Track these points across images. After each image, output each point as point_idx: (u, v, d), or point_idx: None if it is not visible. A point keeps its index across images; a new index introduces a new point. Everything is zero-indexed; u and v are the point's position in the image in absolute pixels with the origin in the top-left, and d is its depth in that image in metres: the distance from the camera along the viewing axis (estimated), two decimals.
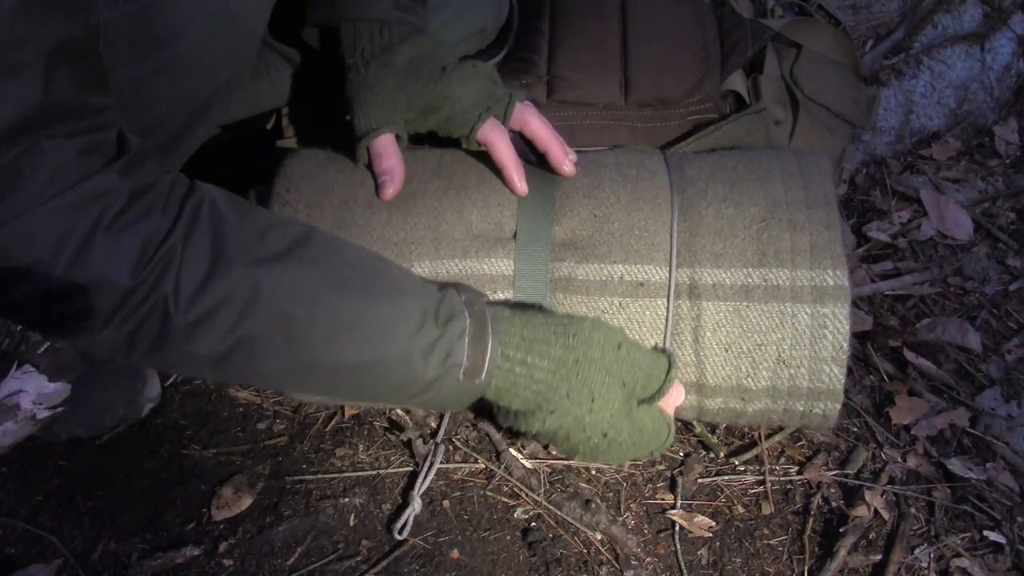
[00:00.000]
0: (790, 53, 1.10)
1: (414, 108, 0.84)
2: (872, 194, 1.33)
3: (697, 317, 0.81)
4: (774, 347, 0.80)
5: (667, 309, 0.81)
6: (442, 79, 0.84)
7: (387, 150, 0.84)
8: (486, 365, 0.71)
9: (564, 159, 0.85)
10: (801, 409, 0.83)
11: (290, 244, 0.67)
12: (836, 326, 0.80)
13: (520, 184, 0.84)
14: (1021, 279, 1.19)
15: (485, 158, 0.88)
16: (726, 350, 0.81)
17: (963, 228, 1.27)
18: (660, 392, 0.78)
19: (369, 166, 0.86)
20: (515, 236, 0.84)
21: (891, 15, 1.43)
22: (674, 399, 0.82)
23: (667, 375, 0.78)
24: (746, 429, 0.97)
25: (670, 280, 0.81)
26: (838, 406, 0.82)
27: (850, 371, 1.03)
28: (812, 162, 0.88)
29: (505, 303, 0.81)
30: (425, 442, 0.94)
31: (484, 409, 0.98)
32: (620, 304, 0.82)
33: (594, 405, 0.73)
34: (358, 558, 0.85)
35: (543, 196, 0.86)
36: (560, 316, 0.76)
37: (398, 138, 0.85)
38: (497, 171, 0.86)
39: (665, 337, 0.82)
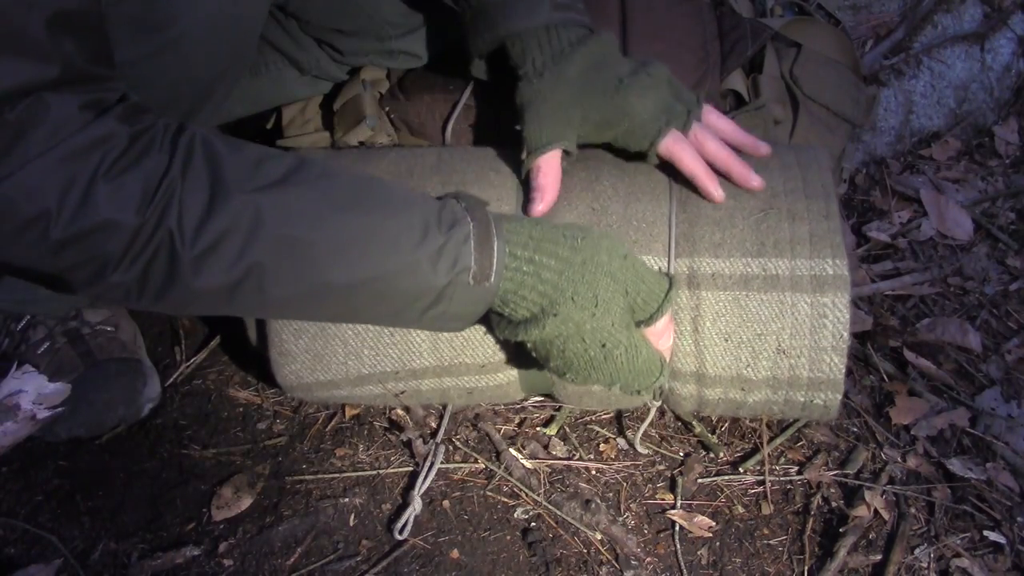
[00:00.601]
0: (790, 52, 1.10)
1: (589, 122, 0.82)
2: (872, 194, 1.33)
3: (696, 307, 0.81)
4: (774, 337, 0.80)
5: None
6: (618, 92, 0.81)
7: (549, 166, 0.82)
8: (494, 266, 0.71)
9: (747, 177, 0.82)
10: (802, 400, 0.83)
11: (286, 171, 0.67)
12: (836, 315, 0.79)
13: (717, 192, 0.81)
14: (1021, 279, 1.19)
15: (483, 154, 0.88)
16: (726, 340, 0.81)
17: (963, 228, 1.27)
18: (659, 311, 0.76)
19: (524, 179, 0.84)
20: None
21: (891, 15, 1.43)
22: (667, 337, 0.80)
23: (667, 295, 0.77)
24: (748, 427, 0.97)
25: (669, 268, 0.81)
26: (839, 396, 0.82)
27: (850, 371, 1.03)
28: (810, 155, 0.88)
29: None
30: (425, 442, 0.94)
31: (484, 409, 0.98)
32: None
33: (597, 311, 0.73)
34: (358, 558, 0.85)
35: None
36: (566, 223, 0.76)
37: (567, 153, 0.83)
38: (495, 167, 0.86)
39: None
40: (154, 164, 0.62)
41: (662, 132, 0.81)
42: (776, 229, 0.81)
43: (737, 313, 0.80)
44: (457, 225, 0.71)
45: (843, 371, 0.81)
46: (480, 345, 0.85)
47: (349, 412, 0.99)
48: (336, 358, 0.87)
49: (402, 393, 0.90)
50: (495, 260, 0.71)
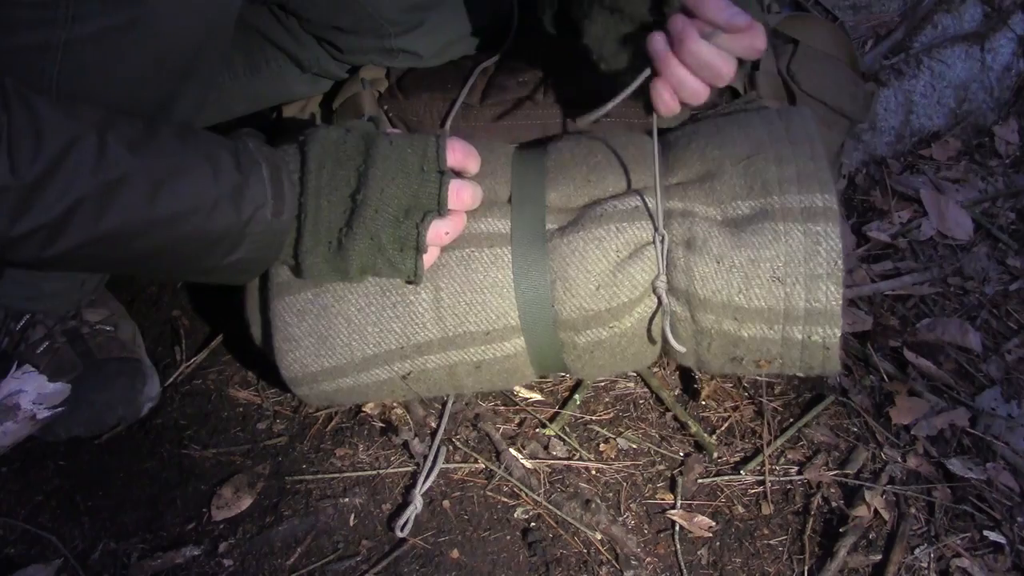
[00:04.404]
0: (787, 49, 1.10)
1: None
2: (872, 194, 1.33)
3: (690, 229, 0.82)
4: (768, 264, 0.80)
5: (656, 209, 0.82)
6: None
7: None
8: (285, 199, 0.76)
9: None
10: (799, 337, 0.82)
11: (101, 116, 0.69)
12: (829, 243, 0.79)
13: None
14: (1021, 279, 1.19)
15: (479, 145, 0.90)
16: (718, 262, 0.81)
17: (963, 228, 1.27)
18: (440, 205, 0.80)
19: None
20: (509, 200, 0.86)
21: (891, 15, 1.43)
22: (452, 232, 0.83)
23: (441, 190, 0.80)
24: (748, 428, 0.97)
25: (658, 222, 0.82)
26: (837, 332, 0.81)
27: (850, 371, 1.04)
28: (792, 111, 0.91)
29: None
30: (422, 441, 0.94)
31: (484, 409, 0.98)
32: (618, 229, 0.83)
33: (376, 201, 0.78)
34: (358, 558, 0.85)
35: (535, 165, 0.89)
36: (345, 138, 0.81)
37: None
38: (489, 150, 0.88)
39: (659, 256, 0.82)
40: None
41: None
42: (764, 171, 0.83)
43: (730, 238, 0.81)
44: (253, 165, 0.75)
45: (840, 302, 0.80)
46: (483, 309, 0.84)
47: (349, 412, 0.98)
48: (340, 338, 0.85)
49: (408, 375, 0.88)
50: (285, 193, 0.77)
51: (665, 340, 0.84)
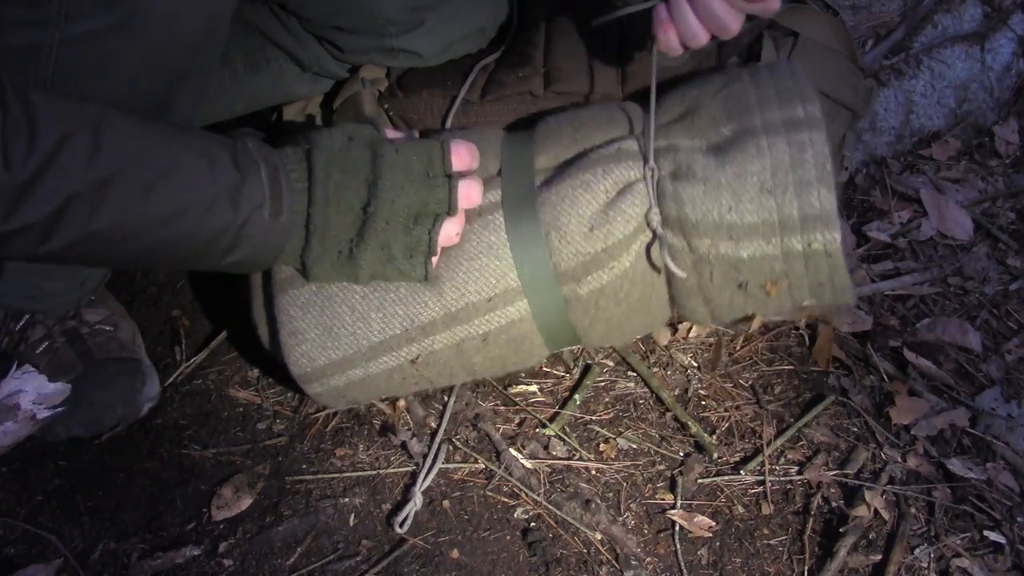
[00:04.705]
0: (787, 41, 1.09)
1: None
2: (872, 194, 1.33)
3: (674, 159, 0.83)
4: (755, 177, 0.79)
5: (647, 145, 0.84)
6: None
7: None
8: (284, 200, 0.77)
9: None
10: (800, 247, 0.81)
11: (94, 112, 0.69)
12: (815, 149, 0.79)
13: None
14: (1021, 279, 1.18)
15: (477, 136, 0.91)
16: (704, 183, 0.81)
17: (963, 228, 1.26)
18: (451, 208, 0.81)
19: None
20: (499, 174, 0.88)
21: (891, 15, 1.43)
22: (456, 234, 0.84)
23: (450, 194, 0.81)
24: (748, 428, 0.97)
25: (648, 160, 0.83)
26: (837, 236, 0.80)
27: (850, 371, 1.04)
28: (778, 63, 0.91)
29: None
30: (420, 441, 0.94)
31: (484, 409, 0.98)
32: (604, 171, 0.84)
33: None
34: (358, 558, 0.85)
35: (523, 138, 0.91)
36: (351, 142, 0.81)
37: None
38: (480, 133, 0.90)
39: (650, 189, 0.82)
40: None
41: None
42: (741, 94, 0.83)
43: (713, 160, 0.81)
44: (251, 164, 0.75)
45: (835, 204, 0.79)
46: (481, 274, 0.84)
47: (349, 412, 0.99)
48: (345, 328, 0.85)
49: (417, 359, 0.87)
50: (284, 194, 0.77)
51: (669, 277, 0.84)
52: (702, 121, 0.84)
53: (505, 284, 0.84)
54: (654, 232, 0.83)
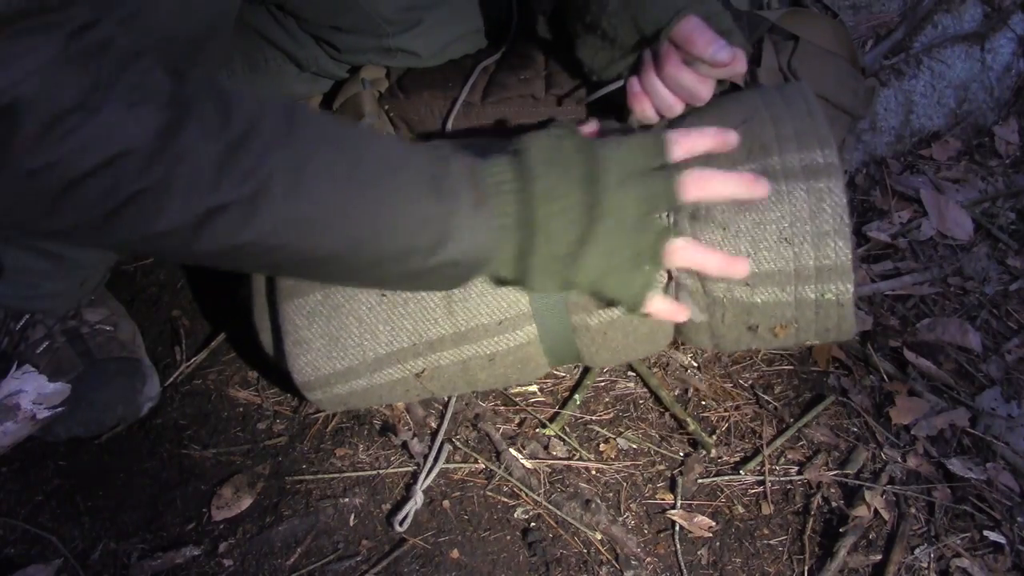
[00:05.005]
0: (787, 45, 1.10)
1: None
2: (872, 194, 1.33)
3: (693, 203, 0.80)
4: (774, 225, 0.79)
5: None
6: None
7: (700, 26, 0.79)
8: (489, 198, 0.69)
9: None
10: (813, 297, 0.81)
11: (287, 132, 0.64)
12: (833, 200, 0.79)
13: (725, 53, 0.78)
14: (1021, 279, 1.19)
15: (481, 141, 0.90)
16: (723, 228, 0.80)
17: (963, 228, 1.26)
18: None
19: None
20: None
21: (891, 15, 1.43)
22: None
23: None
24: (748, 428, 0.97)
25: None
26: (850, 287, 0.80)
27: (850, 371, 1.04)
28: (788, 84, 0.91)
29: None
30: (421, 441, 0.94)
31: (484, 409, 0.98)
32: None
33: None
34: (358, 558, 0.85)
35: None
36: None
37: None
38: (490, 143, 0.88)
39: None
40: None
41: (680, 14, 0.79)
42: (760, 133, 0.82)
43: (733, 205, 0.80)
44: (446, 156, 0.70)
45: (850, 257, 0.79)
46: (493, 300, 0.84)
47: (349, 412, 0.98)
48: (351, 339, 0.85)
49: (422, 373, 0.87)
50: (489, 194, 0.69)
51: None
52: (721, 158, 0.81)
53: (517, 309, 0.85)
54: (669, 273, 0.82)
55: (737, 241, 0.80)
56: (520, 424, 0.98)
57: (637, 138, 0.75)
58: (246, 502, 0.90)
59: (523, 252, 0.71)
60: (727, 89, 1.02)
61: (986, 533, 0.87)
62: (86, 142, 0.57)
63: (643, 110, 0.84)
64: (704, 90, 0.81)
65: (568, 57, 0.99)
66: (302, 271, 0.72)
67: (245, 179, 0.61)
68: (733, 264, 0.77)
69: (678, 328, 0.87)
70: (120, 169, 0.58)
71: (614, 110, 0.93)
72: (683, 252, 0.76)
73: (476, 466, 0.93)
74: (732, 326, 0.85)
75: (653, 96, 0.83)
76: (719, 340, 0.87)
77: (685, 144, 0.75)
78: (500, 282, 0.77)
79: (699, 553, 0.86)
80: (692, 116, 0.87)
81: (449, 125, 1.00)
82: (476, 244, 0.70)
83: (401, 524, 0.86)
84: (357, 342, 0.85)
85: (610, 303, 0.79)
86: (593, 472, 0.93)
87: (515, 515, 0.89)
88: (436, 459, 0.92)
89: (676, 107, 0.83)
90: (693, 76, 0.80)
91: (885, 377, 1.03)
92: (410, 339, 0.85)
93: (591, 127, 0.82)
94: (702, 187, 0.74)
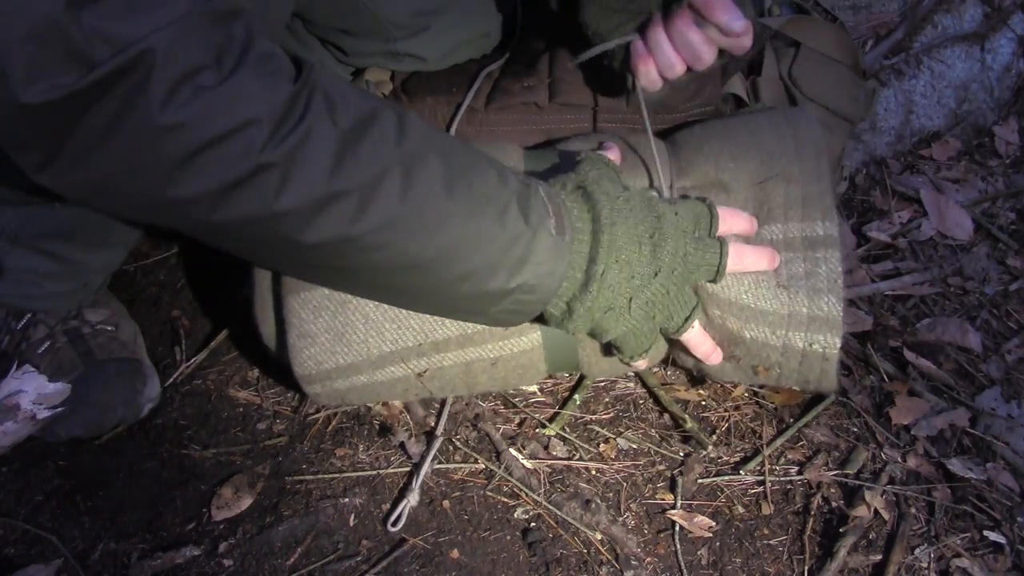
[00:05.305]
0: (788, 53, 1.10)
1: None
2: (872, 194, 1.33)
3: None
4: (773, 277, 0.83)
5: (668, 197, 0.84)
6: None
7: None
8: (566, 229, 0.73)
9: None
10: (800, 345, 0.83)
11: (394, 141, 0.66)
12: (829, 265, 0.83)
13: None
14: (1021, 279, 1.18)
15: (487, 147, 0.91)
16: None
17: (963, 228, 1.27)
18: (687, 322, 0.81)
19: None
20: None
21: (891, 15, 1.43)
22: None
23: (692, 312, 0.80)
24: (748, 428, 0.97)
25: (659, 172, 0.85)
26: (838, 341, 0.83)
27: (850, 371, 1.04)
28: (797, 114, 0.92)
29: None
30: (419, 441, 0.94)
31: (484, 409, 0.98)
32: None
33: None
34: (358, 558, 0.85)
35: (546, 163, 0.89)
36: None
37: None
38: (500, 148, 0.90)
39: None
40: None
41: None
42: (772, 196, 0.85)
43: (736, 260, 0.83)
44: (530, 183, 0.73)
45: (841, 313, 0.82)
46: None
47: (349, 412, 0.99)
48: (357, 335, 0.85)
49: (424, 372, 0.88)
50: (565, 224, 0.73)
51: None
52: (735, 207, 0.86)
53: None
54: None
55: (742, 276, 0.83)
56: (520, 424, 0.98)
57: (691, 205, 0.80)
58: (246, 502, 0.90)
59: (577, 294, 0.74)
60: (734, 107, 1.03)
61: (986, 533, 0.87)
62: (216, 105, 0.55)
63: (648, 71, 0.85)
64: (708, 53, 0.82)
65: (572, 49, 0.99)
66: (394, 277, 0.72)
67: (363, 169, 0.61)
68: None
69: (669, 342, 0.89)
70: (248, 138, 0.57)
71: (609, 75, 0.93)
72: (692, 332, 0.82)
73: (476, 466, 0.93)
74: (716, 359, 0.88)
75: (657, 54, 0.84)
76: (702, 364, 0.89)
77: (728, 222, 0.82)
78: (538, 318, 0.80)
79: (699, 553, 0.86)
80: (708, 147, 0.88)
81: (453, 130, 1.00)
82: (553, 271, 0.72)
83: (395, 524, 0.86)
84: (362, 338, 0.85)
85: (614, 350, 0.83)
86: (593, 472, 0.93)
87: (515, 515, 0.89)
88: (427, 455, 0.92)
89: (678, 66, 0.84)
90: (701, 36, 0.81)
91: (885, 377, 1.03)
92: (416, 339, 0.85)
93: (614, 153, 0.84)
94: (738, 261, 0.81)
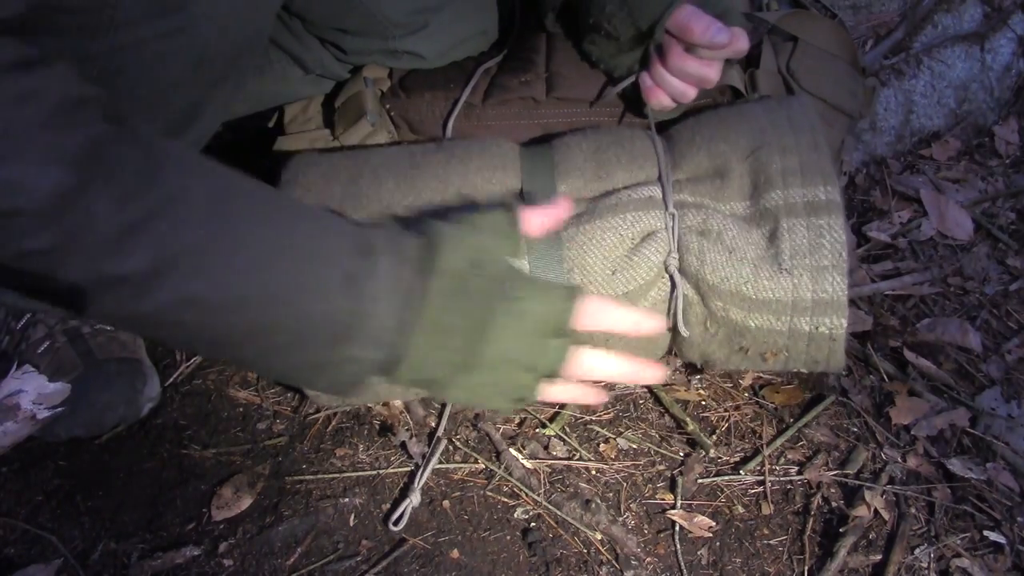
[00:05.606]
0: (786, 47, 1.09)
1: None
2: (872, 194, 1.33)
3: (705, 221, 0.83)
4: (775, 258, 0.82)
5: (666, 210, 0.84)
6: None
7: (695, 13, 0.81)
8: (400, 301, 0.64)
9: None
10: (807, 329, 0.82)
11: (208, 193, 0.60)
12: (832, 235, 0.81)
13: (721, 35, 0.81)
14: (1021, 279, 1.19)
15: (484, 143, 0.91)
16: (729, 252, 0.82)
17: (963, 228, 1.27)
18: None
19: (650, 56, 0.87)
20: (521, 194, 0.87)
21: (891, 15, 1.43)
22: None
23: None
24: (748, 428, 0.97)
25: (673, 225, 0.83)
26: (844, 322, 0.81)
27: (850, 371, 1.04)
28: (791, 99, 0.93)
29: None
30: (420, 441, 0.94)
31: (484, 409, 0.98)
32: (634, 219, 0.84)
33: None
34: (358, 558, 0.85)
35: (543, 159, 0.90)
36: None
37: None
38: (497, 144, 0.90)
39: (671, 235, 0.83)
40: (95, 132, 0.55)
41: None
42: (768, 164, 0.84)
43: (741, 232, 0.83)
44: (375, 254, 0.64)
45: (846, 293, 0.81)
46: None
47: (349, 412, 0.99)
48: None
49: None
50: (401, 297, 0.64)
51: (674, 325, 0.84)
52: (731, 188, 0.85)
53: None
54: (671, 277, 0.84)
55: (741, 266, 0.82)
56: (520, 424, 0.98)
57: (549, 297, 0.68)
58: (246, 502, 0.90)
59: (396, 368, 0.65)
60: (731, 99, 1.02)
61: (986, 533, 0.87)
62: None
63: (659, 101, 0.90)
64: (711, 73, 0.85)
65: (576, 51, 1.00)
66: (206, 349, 0.68)
67: (147, 253, 0.57)
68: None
69: (672, 336, 0.88)
70: (12, 226, 0.55)
71: (630, 103, 0.96)
72: (579, 360, 0.70)
73: (476, 466, 0.93)
74: (723, 344, 0.86)
75: (665, 87, 0.88)
76: (709, 356, 0.88)
77: (593, 318, 0.70)
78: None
79: (699, 553, 0.86)
80: (700, 136, 0.89)
81: (450, 126, 1.00)
82: (380, 341, 0.64)
83: (396, 524, 0.86)
84: None
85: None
86: (593, 472, 0.93)
87: (515, 515, 0.89)
88: (431, 457, 0.92)
89: (689, 92, 0.88)
90: (697, 62, 0.84)
91: (885, 377, 1.03)
92: None
93: (562, 210, 0.74)
94: (579, 370, 0.70)
